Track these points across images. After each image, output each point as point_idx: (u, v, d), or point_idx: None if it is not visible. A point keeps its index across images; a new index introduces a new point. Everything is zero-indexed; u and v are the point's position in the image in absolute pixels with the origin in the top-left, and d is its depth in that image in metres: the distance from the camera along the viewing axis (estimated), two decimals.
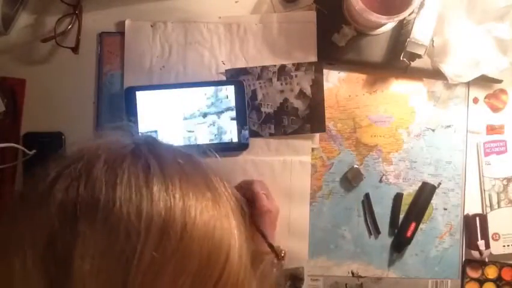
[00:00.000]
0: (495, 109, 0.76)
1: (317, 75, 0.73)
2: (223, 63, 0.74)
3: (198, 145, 0.72)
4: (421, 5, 0.68)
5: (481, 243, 0.74)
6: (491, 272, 0.76)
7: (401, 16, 0.63)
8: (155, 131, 0.72)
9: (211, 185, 0.41)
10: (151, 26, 0.74)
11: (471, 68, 0.70)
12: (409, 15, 0.65)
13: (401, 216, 0.75)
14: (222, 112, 0.72)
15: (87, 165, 0.37)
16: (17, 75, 0.73)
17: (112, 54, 0.74)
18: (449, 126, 0.75)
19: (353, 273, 0.75)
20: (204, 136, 0.72)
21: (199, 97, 0.72)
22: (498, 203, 0.76)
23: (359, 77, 0.75)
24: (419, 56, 0.69)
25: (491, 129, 0.76)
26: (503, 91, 0.76)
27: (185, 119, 0.72)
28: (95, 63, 0.74)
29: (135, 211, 0.35)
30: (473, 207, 0.76)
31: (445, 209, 0.76)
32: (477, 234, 0.74)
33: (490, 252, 0.75)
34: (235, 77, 0.73)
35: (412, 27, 0.69)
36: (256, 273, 0.46)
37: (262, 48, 0.74)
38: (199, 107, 0.72)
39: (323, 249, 0.74)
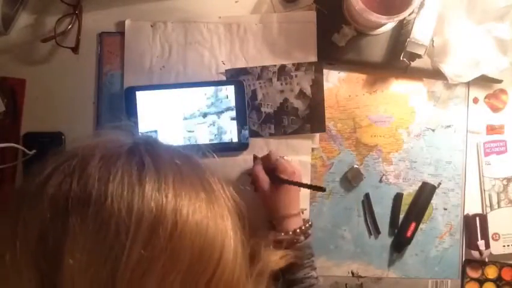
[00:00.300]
0: (495, 109, 0.76)
1: (317, 75, 0.73)
2: (223, 63, 0.74)
3: (198, 145, 0.72)
4: (421, 5, 0.68)
5: (481, 243, 0.74)
6: (491, 272, 0.76)
7: (401, 16, 0.63)
8: (155, 131, 0.72)
9: (208, 186, 0.41)
10: (151, 26, 0.74)
11: (471, 68, 0.70)
12: (409, 15, 0.65)
13: (401, 216, 0.75)
14: (222, 112, 0.72)
15: (82, 162, 0.38)
16: (17, 75, 0.73)
17: (112, 54, 0.74)
18: (449, 126, 0.75)
19: (353, 273, 0.75)
20: (203, 136, 0.72)
21: (199, 97, 0.72)
22: (498, 203, 0.76)
23: (359, 77, 0.75)
24: (419, 56, 0.69)
25: (491, 129, 0.76)
26: (503, 91, 0.76)
27: (185, 119, 0.72)
28: (95, 63, 0.74)
29: (126, 207, 0.35)
30: (473, 207, 0.76)
31: (445, 209, 0.76)
32: (477, 234, 0.74)
33: (490, 252, 0.75)
34: (235, 77, 0.73)
35: (412, 27, 0.69)
36: (253, 273, 0.46)
37: (262, 48, 0.74)
38: (199, 107, 0.72)
39: (322, 249, 0.74)
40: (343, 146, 0.75)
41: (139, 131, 0.72)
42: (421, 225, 0.75)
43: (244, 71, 0.73)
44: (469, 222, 0.75)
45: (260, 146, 0.74)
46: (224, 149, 0.72)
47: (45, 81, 0.74)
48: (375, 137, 0.75)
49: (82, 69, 0.74)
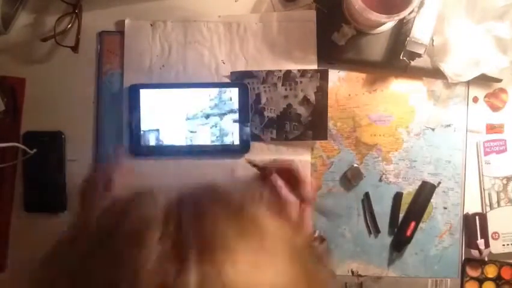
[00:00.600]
0: (495, 108, 0.76)
1: (322, 83, 0.73)
2: (223, 63, 0.74)
3: (199, 146, 0.72)
4: (421, 4, 0.68)
5: (480, 242, 0.74)
6: (491, 271, 0.76)
7: (401, 15, 0.63)
8: (157, 130, 0.72)
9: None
10: (151, 25, 0.74)
11: (471, 67, 0.70)
12: (409, 14, 0.65)
13: (401, 215, 0.75)
14: (224, 114, 0.72)
15: None
16: (17, 74, 0.73)
17: (112, 53, 0.74)
18: (448, 126, 0.75)
19: (352, 272, 0.75)
20: (205, 137, 0.72)
21: (203, 98, 0.72)
22: (498, 202, 0.76)
23: (359, 76, 0.75)
24: (419, 55, 0.69)
25: (491, 128, 0.76)
26: (503, 90, 0.76)
27: (188, 119, 0.72)
28: (95, 62, 0.74)
29: None
30: (472, 206, 0.76)
31: (445, 208, 0.76)
32: (477, 233, 0.74)
33: (490, 251, 0.75)
34: (239, 79, 0.73)
35: (412, 26, 0.68)
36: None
37: (262, 47, 0.74)
38: (202, 108, 0.72)
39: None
40: (343, 145, 0.75)
41: (141, 129, 0.72)
42: (421, 224, 0.75)
43: (249, 74, 0.73)
44: (468, 221, 0.75)
45: (261, 150, 0.74)
46: (225, 151, 0.72)
47: (45, 80, 0.74)
48: (375, 136, 0.75)
49: (81, 68, 0.74)
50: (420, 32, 0.68)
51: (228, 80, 0.74)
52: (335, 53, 0.73)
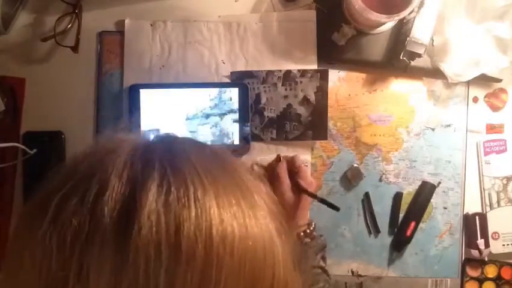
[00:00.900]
0: (495, 108, 0.76)
1: (322, 83, 0.73)
2: (223, 63, 0.74)
3: None
4: (421, 4, 0.68)
5: (480, 242, 0.74)
6: (491, 271, 0.76)
7: (401, 15, 0.63)
8: (158, 130, 0.72)
9: (246, 190, 0.34)
10: (151, 25, 0.74)
11: (471, 67, 0.70)
12: (409, 14, 0.65)
13: (401, 215, 0.75)
14: (224, 114, 0.72)
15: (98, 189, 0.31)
16: (17, 74, 0.73)
17: (112, 53, 0.74)
18: (448, 126, 0.75)
19: (352, 272, 0.75)
20: (205, 137, 0.72)
21: (203, 98, 0.72)
22: (498, 202, 0.76)
23: (359, 76, 0.75)
24: (419, 55, 0.69)
25: (491, 128, 0.76)
26: (503, 90, 0.76)
27: (187, 119, 0.72)
28: (95, 62, 0.74)
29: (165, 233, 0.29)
30: (472, 206, 0.76)
31: (445, 208, 0.76)
32: (477, 233, 0.74)
33: (490, 251, 0.75)
34: (239, 79, 0.73)
35: (412, 26, 0.68)
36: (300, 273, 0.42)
37: (262, 47, 0.74)
38: (202, 108, 0.72)
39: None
40: (343, 145, 0.75)
41: (141, 129, 0.72)
42: (421, 224, 0.75)
43: (249, 74, 0.73)
44: (468, 221, 0.75)
45: (261, 150, 0.74)
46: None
47: (45, 80, 0.74)
48: (375, 136, 0.75)
49: (81, 68, 0.74)
50: (420, 32, 0.68)
51: (228, 80, 0.74)
52: (335, 53, 0.73)
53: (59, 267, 0.28)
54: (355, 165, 0.75)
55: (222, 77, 0.74)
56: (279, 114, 0.73)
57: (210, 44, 0.74)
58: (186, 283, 0.28)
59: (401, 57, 0.70)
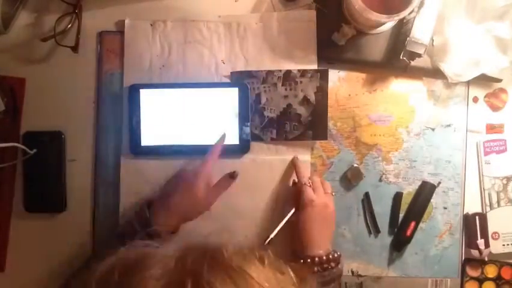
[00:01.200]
0: (495, 108, 0.76)
1: (322, 83, 0.72)
2: (223, 63, 0.74)
3: (199, 146, 0.72)
4: (421, 4, 0.68)
5: (480, 242, 0.74)
6: (491, 271, 0.76)
7: (401, 15, 0.63)
8: (157, 130, 0.72)
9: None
10: (151, 25, 0.74)
11: (471, 67, 0.70)
12: (409, 14, 0.65)
13: (401, 215, 0.75)
14: (224, 114, 0.72)
15: None
16: (17, 74, 0.73)
17: (112, 53, 0.74)
18: (448, 125, 0.75)
19: (352, 272, 0.75)
20: (205, 137, 0.72)
21: (203, 98, 0.72)
22: (498, 202, 0.76)
23: (359, 76, 0.75)
24: (419, 55, 0.69)
25: (491, 128, 0.76)
26: (503, 90, 0.76)
27: (187, 119, 0.72)
28: (95, 62, 0.74)
29: None
30: (472, 206, 0.76)
31: (445, 208, 0.76)
32: (477, 233, 0.74)
33: (490, 251, 0.75)
34: (240, 79, 0.73)
35: (412, 26, 0.68)
36: None
37: (262, 47, 0.74)
38: (202, 108, 0.72)
39: None
40: (343, 145, 0.75)
41: (141, 129, 0.72)
42: (421, 224, 0.75)
43: (249, 74, 0.73)
44: (468, 221, 0.75)
45: (261, 150, 0.74)
46: (225, 151, 0.72)
47: (45, 80, 0.74)
48: (375, 136, 0.75)
49: (81, 68, 0.74)
50: (420, 32, 0.68)
51: (228, 80, 0.74)
52: (335, 53, 0.73)
53: None
54: (355, 165, 0.75)
55: (222, 77, 0.74)
56: (279, 114, 0.73)
57: (210, 44, 0.74)
58: None
59: (401, 57, 0.70)
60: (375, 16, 0.63)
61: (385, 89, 0.75)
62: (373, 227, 0.75)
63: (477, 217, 0.75)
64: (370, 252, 0.75)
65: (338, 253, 0.66)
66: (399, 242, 0.75)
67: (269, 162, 0.73)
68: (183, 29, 0.74)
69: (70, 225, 0.74)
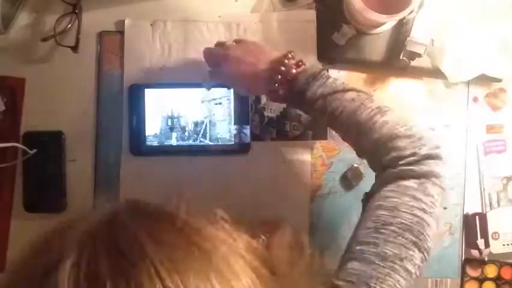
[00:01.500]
0: (495, 108, 0.76)
1: None
2: None
3: (199, 146, 0.72)
4: (421, 4, 0.68)
5: (480, 242, 0.74)
6: (491, 271, 0.76)
7: (401, 15, 0.63)
8: (157, 129, 0.72)
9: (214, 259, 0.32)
10: (151, 25, 0.74)
11: (471, 67, 0.70)
12: (409, 14, 0.65)
13: None
14: (225, 114, 0.72)
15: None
16: (17, 74, 0.73)
17: (112, 53, 0.74)
18: (448, 126, 0.75)
19: None
20: (206, 137, 0.72)
21: (204, 98, 0.72)
22: (498, 202, 0.76)
23: (359, 76, 0.75)
24: (419, 55, 0.69)
25: (491, 128, 0.76)
26: (502, 90, 0.76)
27: (188, 119, 0.72)
28: (95, 62, 0.74)
29: None
30: (472, 206, 0.76)
31: (445, 208, 0.75)
32: (477, 233, 0.74)
33: (490, 251, 0.75)
34: None
35: (412, 26, 0.69)
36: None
37: None
38: (203, 108, 0.72)
39: (322, 249, 0.74)
40: (343, 145, 0.75)
41: (141, 129, 0.72)
42: None
43: None
44: (468, 221, 0.75)
45: (261, 150, 0.74)
46: (225, 151, 0.72)
47: (45, 80, 0.74)
48: None
49: (81, 68, 0.74)
50: (420, 32, 0.68)
51: None
52: (335, 52, 0.73)
53: None
54: (355, 165, 0.74)
55: None
56: (279, 114, 0.73)
57: (210, 44, 0.73)
58: None
59: (401, 57, 0.70)
60: (375, 16, 0.63)
61: (385, 89, 0.75)
62: None
63: (477, 217, 0.75)
64: None
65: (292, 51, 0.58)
66: None
67: (269, 162, 0.73)
68: (183, 29, 0.74)
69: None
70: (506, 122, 0.76)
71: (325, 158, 0.75)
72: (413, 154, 0.51)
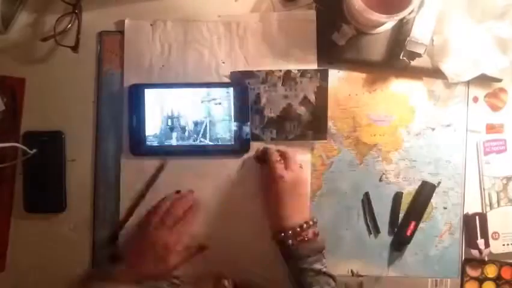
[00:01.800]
0: (495, 108, 0.76)
1: (322, 83, 0.72)
2: (223, 63, 0.74)
3: (199, 146, 0.72)
4: (421, 4, 0.68)
5: (480, 242, 0.74)
6: (491, 270, 0.76)
7: (401, 15, 0.63)
8: (157, 129, 0.72)
9: None
10: (151, 25, 0.74)
11: (471, 67, 0.70)
12: (409, 14, 0.65)
13: (401, 215, 0.75)
14: (225, 114, 0.72)
15: None
16: (17, 74, 0.73)
17: (112, 53, 0.74)
18: (448, 125, 0.75)
19: (352, 272, 0.75)
20: (206, 137, 0.72)
21: (203, 98, 0.72)
22: (498, 202, 0.76)
23: (359, 76, 0.75)
24: (419, 55, 0.69)
25: (491, 128, 0.76)
26: (502, 90, 0.76)
27: (188, 119, 0.72)
28: (95, 62, 0.74)
29: None
30: (472, 206, 0.76)
31: (445, 208, 0.76)
32: (477, 233, 0.74)
33: (490, 251, 0.75)
34: (239, 79, 0.73)
35: (412, 26, 0.68)
36: None
37: (261, 47, 0.74)
38: (203, 108, 0.72)
39: None
40: (343, 145, 0.75)
41: (146, 129, 0.72)
42: (421, 224, 0.75)
43: (249, 74, 0.73)
44: (468, 221, 0.75)
45: (260, 146, 0.74)
46: (225, 151, 0.72)
47: (45, 80, 0.74)
48: (375, 136, 0.75)
49: (81, 68, 0.74)
50: (420, 32, 0.68)
51: (228, 80, 0.74)
52: (335, 52, 0.73)
53: None
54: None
55: (222, 77, 0.74)
56: (279, 114, 0.73)
57: (210, 44, 0.74)
58: None
59: (401, 57, 0.70)
60: (375, 16, 0.63)
61: (385, 89, 0.75)
62: (373, 227, 0.75)
63: (477, 217, 0.75)
64: (370, 252, 0.75)
65: (315, 220, 0.67)
66: (399, 242, 0.75)
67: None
68: (183, 29, 0.74)
69: (70, 225, 0.74)
70: (506, 122, 0.76)
71: (325, 158, 0.75)
72: None
